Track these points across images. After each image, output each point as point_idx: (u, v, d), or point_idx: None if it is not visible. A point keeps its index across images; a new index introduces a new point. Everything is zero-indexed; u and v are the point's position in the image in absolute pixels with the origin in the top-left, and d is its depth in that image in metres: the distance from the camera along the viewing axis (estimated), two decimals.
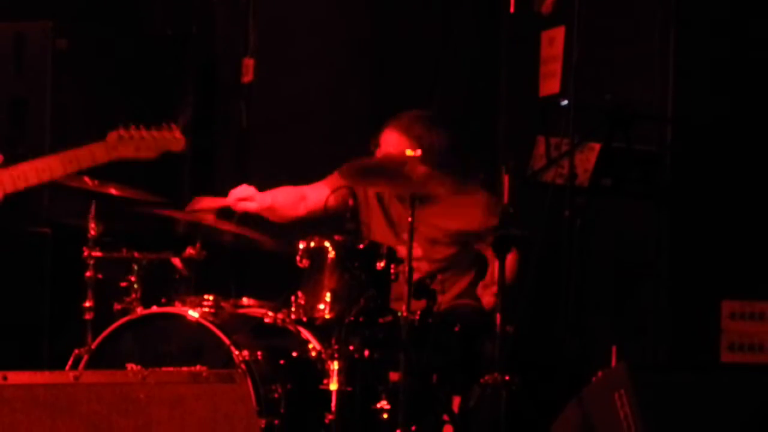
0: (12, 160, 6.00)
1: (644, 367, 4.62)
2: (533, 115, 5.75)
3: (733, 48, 5.41)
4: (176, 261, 5.32)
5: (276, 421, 4.82)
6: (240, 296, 5.36)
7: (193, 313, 4.97)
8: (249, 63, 6.76)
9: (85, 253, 5.15)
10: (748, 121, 5.40)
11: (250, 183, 5.50)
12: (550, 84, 6.08)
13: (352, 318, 4.83)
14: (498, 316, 4.74)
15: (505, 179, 4.82)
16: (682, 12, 5.42)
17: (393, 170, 4.94)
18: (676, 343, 5.40)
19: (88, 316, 5.12)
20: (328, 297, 4.89)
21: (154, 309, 5.10)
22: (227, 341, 4.86)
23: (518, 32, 5.89)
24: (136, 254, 5.23)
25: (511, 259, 5.24)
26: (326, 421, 4.75)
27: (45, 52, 6.31)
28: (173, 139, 3.98)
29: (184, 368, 4.07)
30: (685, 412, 4.20)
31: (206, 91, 6.93)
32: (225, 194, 5.41)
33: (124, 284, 5.22)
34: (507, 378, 4.70)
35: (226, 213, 5.39)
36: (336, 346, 4.81)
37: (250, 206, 5.36)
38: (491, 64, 6.30)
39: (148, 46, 6.68)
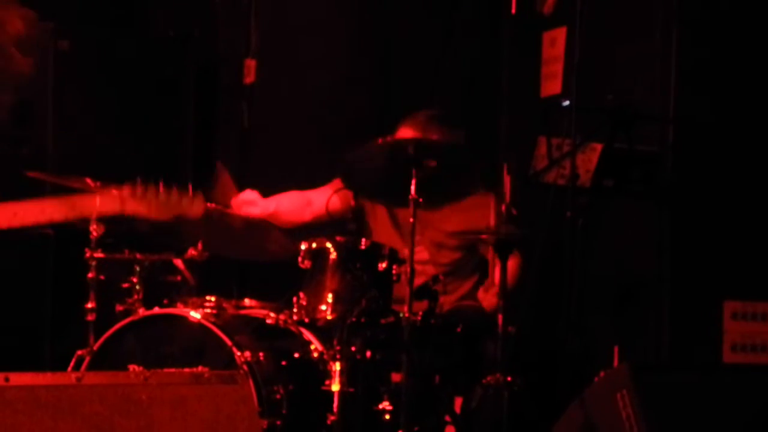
0: (15, 161, 6.02)
1: (646, 367, 4.61)
2: (535, 116, 5.76)
3: (735, 48, 5.41)
4: (178, 262, 5.32)
5: (278, 422, 4.82)
6: (242, 297, 5.36)
7: (195, 315, 4.97)
8: (251, 64, 6.76)
9: (87, 255, 5.14)
10: (749, 122, 5.40)
11: (252, 184, 5.50)
12: (552, 84, 6.08)
13: (354, 319, 4.83)
14: (500, 317, 4.75)
15: (507, 180, 4.82)
16: (683, 12, 5.43)
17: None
18: (678, 343, 5.40)
19: (90, 318, 5.11)
20: (330, 298, 4.89)
21: (156, 310, 5.10)
22: (229, 342, 4.86)
23: (520, 33, 5.89)
24: (138, 255, 5.23)
25: (513, 263, 5.25)
26: (328, 422, 4.75)
27: (47, 54, 6.31)
28: (192, 204, 3.82)
29: (186, 369, 4.06)
30: (688, 412, 4.19)
31: (208, 92, 6.94)
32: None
33: (126, 285, 5.22)
34: (509, 379, 4.70)
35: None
36: (338, 347, 4.81)
37: (254, 211, 5.35)
38: (493, 65, 6.29)
39: (149, 48, 6.68)
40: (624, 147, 5.18)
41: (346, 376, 4.78)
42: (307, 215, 5.47)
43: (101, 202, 3.77)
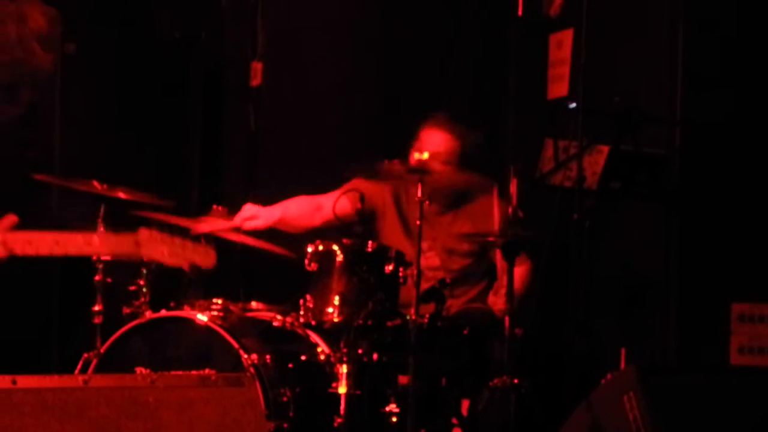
0: (22, 164, 6.03)
1: (653, 369, 4.61)
2: (541, 118, 5.76)
3: (742, 50, 5.41)
4: None
5: (285, 425, 4.82)
6: (249, 300, 5.36)
7: (202, 317, 4.97)
8: (257, 66, 6.76)
9: (94, 257, 5.15)
10: (756, 124, 5.40)
11: (258, 187, 5.50)
12: (559, 87, 6.08)
13: (360, 321, 4.83)
14: (507, 319, 4.75)
15: (514, 182, 4.82)
16: (690, 14, 5.42)
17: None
18: (686, 345, 5.40)
19: (97, 320, 5.12)
20: (336, 300, 4.89)
21: (163, 313, 5.09)
22: (236, 345, 4.85)
23: (526, 35, 5.89)
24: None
25: (523, 270, 5.26)
26: (335, 424, 4.75)
27: (54, 56, 6.32)
28: (204, 254, 3.88)
29: (193, 372, 4.07)
30: (695, 414, 4.19)
31: (214, 94, 6.94)
32: (231, 196, 5.40)
33: (133, 288, 5.22)
34: (516, 381, 4.70)
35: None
36: (345, 350, 4.81)
37: (257, 224, 5.33)
38: (499, 67, 6.29)
39: (156, 50, 6.69)
40: (631, 149, 5.17)
41: (353, 378, 4.78)
42: (317, 219, 5.45)
43: (121, 242, 3.78)
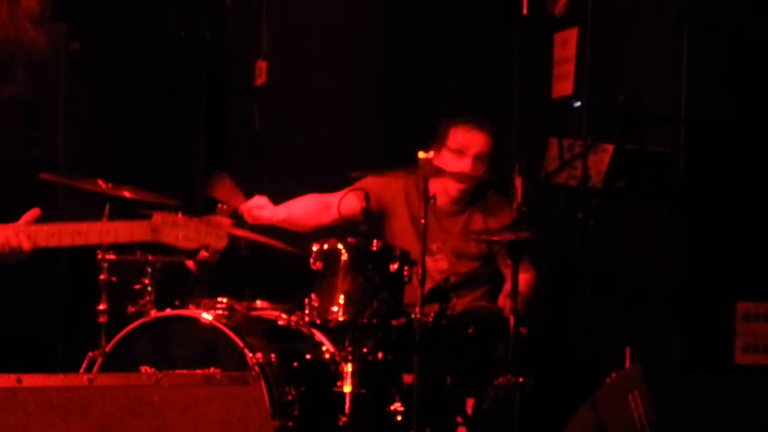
0: (26, 163, 6.04)
1: (658, 368, 4.62)
2: (546, 117, 5.76)
3: (747, 49, 5.40)
4: (190, 263, 5.32)
5: (290, 423, 4.82)
6: (253, 299, 5.36)
7: (207, 316, 4.98)
8: (262, 66, 6.76)
9: (99, 256, 5.15)
10: (761, 123, 5.39)
11: (263, 186, 5.49)
12: (563, 85, 6.08)
13: (365, 320, 4.83)
14: (512, 318, 4.75)
15: (518, 181, 4.82)
16: (695, 13, 5.42)
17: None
18: (690, 344, 5.39)
19: (102, 319, 5.13)
20: (341, 299, 4.89)
21: (168, 312, 5.10)
22: (241, 344, 4.86)
23: (531, 34, 5.89)
24: (149, 257, 5.23)
25: (527, 278, 5.26)
26: (340, 423, 4.76)
27: (58, 55, 6.33)
28: (217, 236, 3.93)
29: (198, 371, 4.06)
30: (700, 413, 4.19)
31: (219, 94, 6.95)
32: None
33: (137, 287, 5.22)
34: (521, 380, 4.70)
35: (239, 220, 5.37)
36: (349, 348, 4.81)
37: (263, 214, 5.32)
38: (504, 66, 6.29)
39: (161, 50, 6.69)
40: (635, 148, 5.18)
41: (358, 377, 4.78)
42: (325, 218, 5.44)
43: (136, 228, 3.83)
